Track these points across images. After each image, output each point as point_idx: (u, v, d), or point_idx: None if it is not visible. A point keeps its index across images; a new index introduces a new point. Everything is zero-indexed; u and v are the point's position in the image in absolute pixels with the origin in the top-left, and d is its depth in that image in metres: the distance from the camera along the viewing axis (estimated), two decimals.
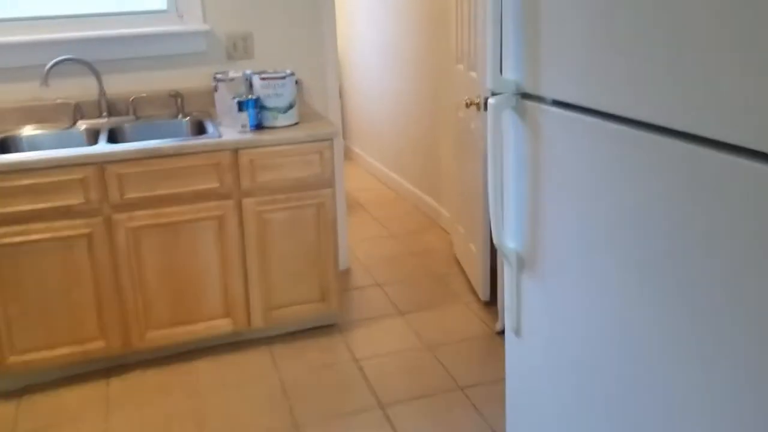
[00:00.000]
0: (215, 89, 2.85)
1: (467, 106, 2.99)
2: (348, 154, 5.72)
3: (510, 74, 1.63)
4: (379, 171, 5.08)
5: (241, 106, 2.69)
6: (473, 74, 3.04)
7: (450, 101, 3.65)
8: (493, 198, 1.63)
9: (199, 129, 2.97)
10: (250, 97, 2.73)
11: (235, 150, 2.64)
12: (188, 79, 3.12)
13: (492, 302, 3.18)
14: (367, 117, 5.24)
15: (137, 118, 3.00)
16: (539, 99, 1.56)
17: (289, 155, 2.69)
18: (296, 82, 2.81)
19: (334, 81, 3.31)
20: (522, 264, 1.63)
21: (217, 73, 2.86)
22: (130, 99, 2.98)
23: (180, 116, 3.01)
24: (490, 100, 1.63)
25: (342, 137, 3.38)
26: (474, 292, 3.30)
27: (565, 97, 1.44)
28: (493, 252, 3.30)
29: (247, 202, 2.69)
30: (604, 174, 1.33)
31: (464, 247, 3.42)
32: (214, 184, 2.64)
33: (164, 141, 2.58)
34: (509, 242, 1.66)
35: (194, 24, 3.06)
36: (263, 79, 2.74)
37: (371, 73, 5.01)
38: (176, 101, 3.01)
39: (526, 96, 1.62)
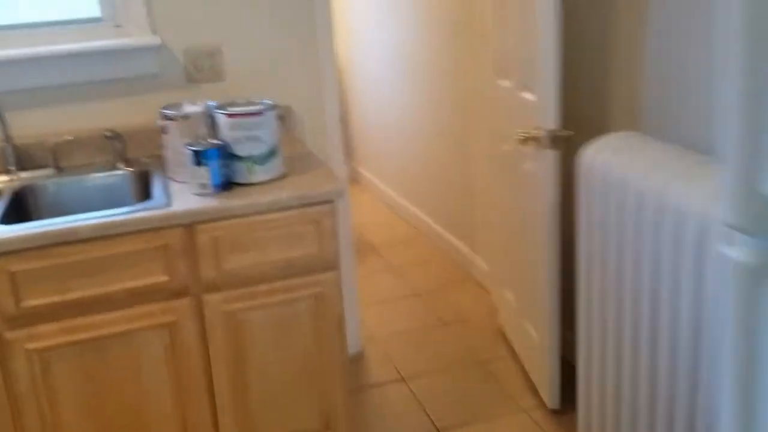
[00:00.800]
0: (163, 130, 1.98)
1: (523, 142, 2.11)
2: (354, 178, 4.84)
3: None
4: (393, 200, 4.21)
5: (200, 157, 1.83)
6: (528, 96, 2.16)
7: (489, 125, 2.77)
8: None
9: (146, 185, 2.11)
10: (212, 143, 1.86)
11: (190, 225, 1.78)
12: (132, 113, 2.26)
13: (565, 410, 2.30)
14: (376, 134, 4.36)
15: (59, 170, 2.14)
16: None
17: (271, 228, 1.83)
18: (280, 118, 1.95)
19: (334, 106, 2.44)
20: None
21: (165, 108, 1.99)
22: (49, 145, 2.12)
23: (121, 165, 2.15)
24: (729, 251, 0.75)
25: (345, 162, 2.53)
26: (534, 391, 2.43)
27: None
28: (564, 340, 2.43)
29: (212, 299, 1.83)
30: None
31: (517, 324, 2.55)
32: (161, 277, 1.77)
33: (80, 218, 1.72)
34: None
35: (139, 36, 2.20)
36: (231, 116, 1.87)
37: (381, 82, 4.13)
38: (114, 145, 2.15)
39: None
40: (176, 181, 1.98)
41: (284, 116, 2.07)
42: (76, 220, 1.71)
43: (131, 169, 2.14)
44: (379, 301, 3.13)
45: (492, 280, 2.99)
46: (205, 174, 1.83)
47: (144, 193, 2.12)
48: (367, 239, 3.83)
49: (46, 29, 2.16)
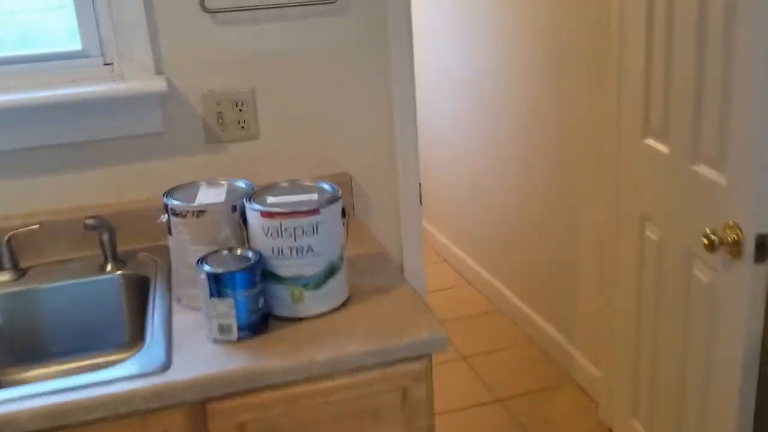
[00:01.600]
0: (167, 230, 1.31)
1: (709, 247, 1.39)
2: None
3: None
4: (461, 262, 3.47)
5: (220, 284, 1.14)
6: (710, 174, 1.45)
7: (621, 197, 2.04)
8: None
9: (144, 299, 1.43)
10: (240, 255, 1.18)
11: (202, 403, 1.09)
12: (126, 189, 1.59)
13: None
14: (441, 178, 3.63)
15: (21, 274, 1.47)
16: None
17: (332, 401, 1.14)
18: (344, 213, 1.27)
19: (413, 173, 1.74)
20: None
21: (169, 194, 1.31)
22: (6, 237, 1.46)
23: (109, 267, 1.48)
24: None
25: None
26: None
27: None
28: None
29: None
30: None
31: None
32: None
33: (23, 395, 1.05)
34: None
35: (138, 78, 1.53)
36: (270, 215, 1.19)
37: (454, 119, 3.41)
38: (99, 237, 1.48)
39: None
40: (185, 304, 1.30)
41: (350, 213, 1.37)
42: (14, 399, 1.03)
43: (123, 273, 1.48)
44: (452, 410, 2.43)
45: (606, 394, 2.27)
46: (227, 310, 1.15)
47: (140, 311, 1.45)
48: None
49: (3, 69, 1.51)
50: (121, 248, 1.55)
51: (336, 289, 1.24)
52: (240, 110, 1.62)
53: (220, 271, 1.14)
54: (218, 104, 1.60)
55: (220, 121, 1.61)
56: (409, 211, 1.75)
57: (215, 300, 1.15)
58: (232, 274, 1.14)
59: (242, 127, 1.63)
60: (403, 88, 1.68)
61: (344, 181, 1.69)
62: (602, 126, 2.17)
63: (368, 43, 1.65)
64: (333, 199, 1.22)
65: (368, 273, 1.38)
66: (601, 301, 2.28)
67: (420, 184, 1.75)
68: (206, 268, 1.15)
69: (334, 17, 1.62)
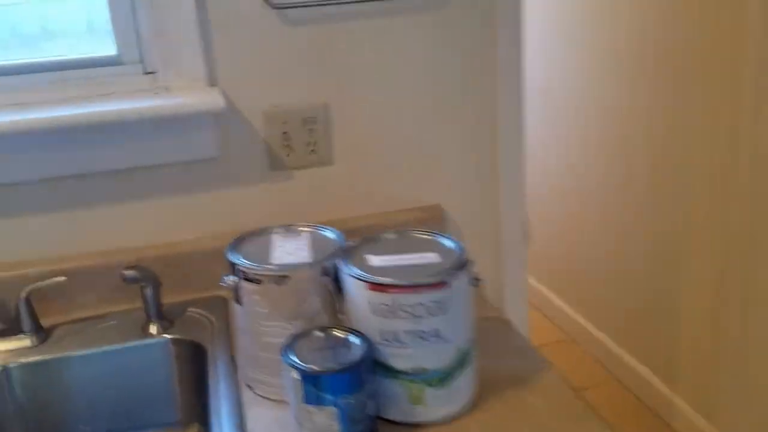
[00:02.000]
0: (235, 298, 0.99)
1: None
2: None
3: None
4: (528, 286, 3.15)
5: (318, 387, 0.83)
6: None
7: (755, 229, 1.70)
8: None
9: (200, 373, 1.13)
10: (341, 337, 0.87)
11: None
12: (172, 228, 1.28)
13: None
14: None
15: (44, 337, 1.17)
16: None
17: None
18: (476, 280, 0.95)
19: (517, 206, 1.42)
20: None
21: (234, 246, 1.00)
22: (24, 293, 1.15)
23: (153, 328, 1.17)
24: None
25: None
26: None
27: None
28: None
29: None
30: None
31: None
32: None
33: None
34: None
35: (187, 92, 1.22)
36: (379, 288, 0.87)
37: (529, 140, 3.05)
38: (141, 291, 1.17)
39: None
40: (258, 393, 0.99)
41: (479, 278, 1.03)
42: None
43: (171, 337, 1.17)
44: None
45: None
46: (327, 422, 0.84)
47: (193, 383, 1.15)
48: None
49: (19, 79, 1.20)
50: (166, 300, 1.24)
51: (465, 383, 0.93)
52: (310, 130, 1.30)
53: (318, 370, 0.83)
54: (284, 123, 1.28)
55: (287, 143, 1.29)
56: (512, 252, 1.43)
57: (312, 408, 0.84)
58: (334, 376, 0.83)
59: (313, 151, 1.31)
60: (511, 102, 1.35)
61: (435, 217, 1.37)
62: (728, 142, 1.83)
63: (469, 47, 1.32)
64: (461, 264, 0.90)
65: (496, 351, 1.06)
66: (716, 345, 1.96)
67: (527, 220, 1.43)
68: (299, 364, 0.83)
69: (429, 14, 1.29)
